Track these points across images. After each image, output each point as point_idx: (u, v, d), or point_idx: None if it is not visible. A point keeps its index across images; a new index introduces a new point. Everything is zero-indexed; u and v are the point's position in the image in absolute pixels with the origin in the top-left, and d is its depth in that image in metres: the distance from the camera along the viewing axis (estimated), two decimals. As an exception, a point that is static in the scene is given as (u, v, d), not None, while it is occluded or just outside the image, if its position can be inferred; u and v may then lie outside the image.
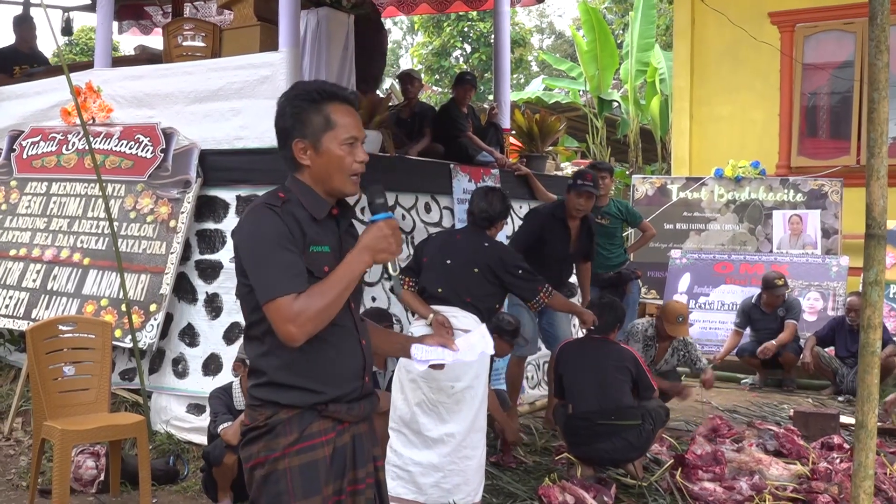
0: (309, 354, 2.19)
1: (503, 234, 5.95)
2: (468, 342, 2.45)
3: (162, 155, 5.58)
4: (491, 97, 10.86)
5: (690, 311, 8.03)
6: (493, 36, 9.08)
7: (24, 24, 8.20)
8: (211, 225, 5.41)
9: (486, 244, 4.63)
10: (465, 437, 4.22)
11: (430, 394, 4.21)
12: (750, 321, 7.86)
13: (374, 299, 5.52)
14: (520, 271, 4.58)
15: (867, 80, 2.99)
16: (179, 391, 5.24)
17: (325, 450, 2.21)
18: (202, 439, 4.83)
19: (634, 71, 14.51)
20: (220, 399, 4.33)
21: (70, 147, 6.13)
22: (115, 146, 5.81)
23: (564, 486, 4.33)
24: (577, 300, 6.36)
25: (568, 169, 10.33)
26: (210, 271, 5.33)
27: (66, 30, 10.04)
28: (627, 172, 14.28)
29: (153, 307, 5.24)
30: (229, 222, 5.31)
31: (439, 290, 4.50)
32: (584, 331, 5.10)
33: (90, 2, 9.15)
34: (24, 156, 6.35)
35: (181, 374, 5.30)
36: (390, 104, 7.39)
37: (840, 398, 7.14)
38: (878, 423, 3.36)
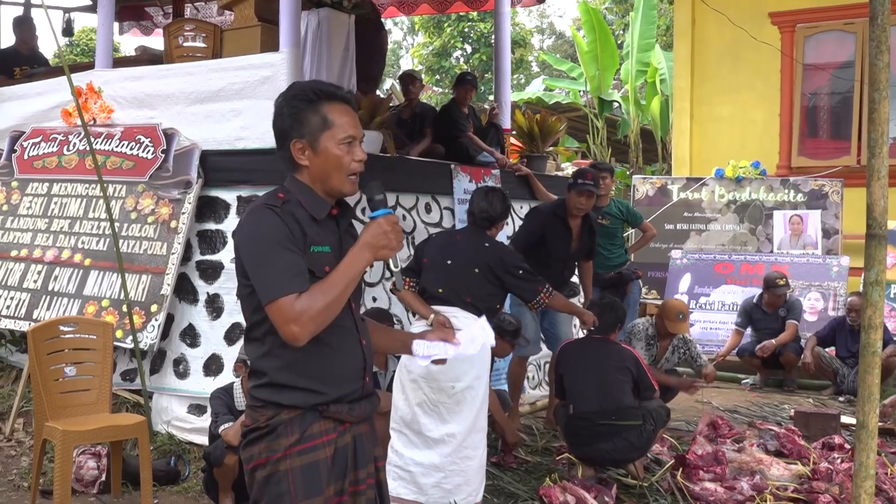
0: (310, 355, 2.18)
1: (503, 235, 5.96)
2: (469, 335, 2.45)
3: (163, 156, 5.59)
4: (491, 97, 10.86)
5: (691, 311, 8.03)
6: (493, 36, 9.08)
7: (23, 26, 8.21)
8: (212, 225, 5.41)
9: (487, 244, 4.63)
10: (466, 438, 4.22)
11: (431, 394, 4.21)
12: (751, 321, 7.86)
13: (374, 299, 5.52)
14: (520, 272, 4.58)
15: (868, 80, 2.99)
16: (180, 392, 5.25)
17: (326, 450, 2.21)
18: (203, 440, 4.83)
19: (635, 71, 14.51)
20: (221, 400, 4.33)
21: (71, 148, 6.13)
22: (116, 147, 5.82)
23: (565, 486, 4.34)
24: (580, 299, 6.36)
25: (568, 169, 10.33)
26: (211, 272, 5.34)
27: (67, 31, 10.06)
28: (628, 173, 14.28)
29: (154, 308, 5.25)
30: (230, 223, 5.32)
31: (440, 290, 4.50)
32: (585, 331, 5.11)
33: (91, 3, 9.16)
34: (26, 157, 6.35)
35: (182, 374, 5.30)
36: (391, 105, 7.39)
37: (841, 398, 7.14)
38: (879, 424, 3.36)
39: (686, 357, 6.13)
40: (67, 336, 4.60)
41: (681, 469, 4.63)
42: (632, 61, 14.49)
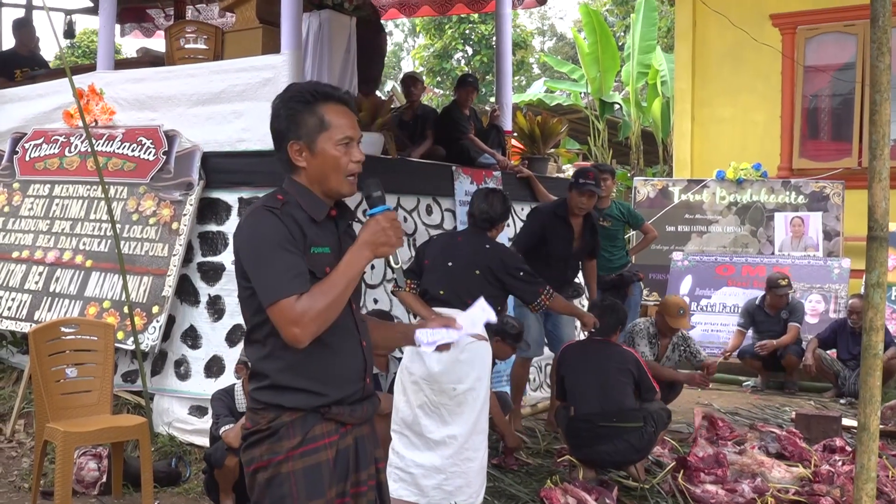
0: (311, 356, 2.18)
1: (505, 237, 5.95)
2: (470, 317, 2.44)
3: (164, 157, 5.59)
4: (492, 99, 10.87)
5: (692, 312, 8.03)
6: (494, 38, 9.09)
7: (23, 28, 8.22)
8: (213, 227, 5.41)
9: (487, 246, 4.63)
10: (466, 439, 4.21)
11: (432, 396, 4.21)
12: (753, 322, 7.85)
13: (375, 301, 5.52)
14: (521, 273, 4.58)
15: (869, 81, 2.99)
16: (181, 393, 5.25)
17: (328, 452, 2.21)
18: (204, 441, 4.83)
19: (636, 73, 14.52)
20: (222, 401, 4.33)
21: (72, 149, 6.14)
22: (118, 148, 5.82)
23: (566, 488, 4.33)
24: (583, 300, 6.36)
25: (569, 171, 10.33)
26: (212, 273, 5.34)
27: (69, 32, 10.08)
28: (629, 175, 14.28)
29: (155, 309, 5.25)
30: (231, 224, 5.32)
31: (441, 292, 4.50)
32: (586, 333, 5.11)
33: (92, 4, 9.17)
34: (27, 158, 6.36)
35: (183, 376, 5.30)
36: (392, 107, 7.40)
37: (842, 401, 7.13)
38: (880, 426, 3.36)
39: (686, 353, 6.15)
40: (68, 337, 4.61)
41: (682, 471, 4.62)
42: (633, 63, 14.49)
